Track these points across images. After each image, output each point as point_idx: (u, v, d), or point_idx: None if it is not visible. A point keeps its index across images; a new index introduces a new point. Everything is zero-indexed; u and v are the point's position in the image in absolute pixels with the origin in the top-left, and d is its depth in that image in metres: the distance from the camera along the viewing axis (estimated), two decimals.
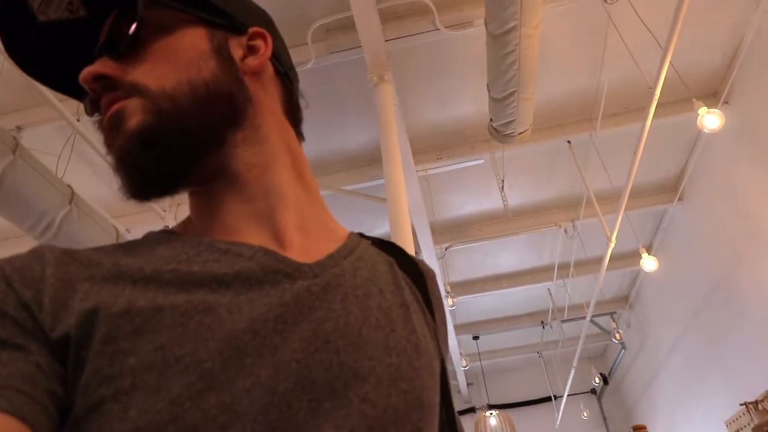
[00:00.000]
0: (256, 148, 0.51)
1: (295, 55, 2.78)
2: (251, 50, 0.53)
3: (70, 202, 2.70)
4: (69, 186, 2.76)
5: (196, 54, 0.49)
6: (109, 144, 0.47)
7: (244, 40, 0.53)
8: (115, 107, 0.46)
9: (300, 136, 0.59)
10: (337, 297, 0.45)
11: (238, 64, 0.51)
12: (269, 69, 0.55)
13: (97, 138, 2.73)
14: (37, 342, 0.37)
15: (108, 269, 0.42)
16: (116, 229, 3.07)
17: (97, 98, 0.48)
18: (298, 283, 0.45)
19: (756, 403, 3.69)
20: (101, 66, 0.47)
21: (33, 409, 0.34)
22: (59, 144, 3.11)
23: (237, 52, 0.52)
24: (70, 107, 2.95)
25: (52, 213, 2.61)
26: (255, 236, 0.49)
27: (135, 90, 0.46)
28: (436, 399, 0.47)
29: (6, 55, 0.51)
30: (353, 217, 4.39)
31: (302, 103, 0.60)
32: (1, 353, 0.36)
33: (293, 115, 0.57)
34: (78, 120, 2.87)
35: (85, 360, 0.37)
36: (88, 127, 2.84)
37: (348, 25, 2.82)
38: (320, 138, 3.73)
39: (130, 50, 0.48)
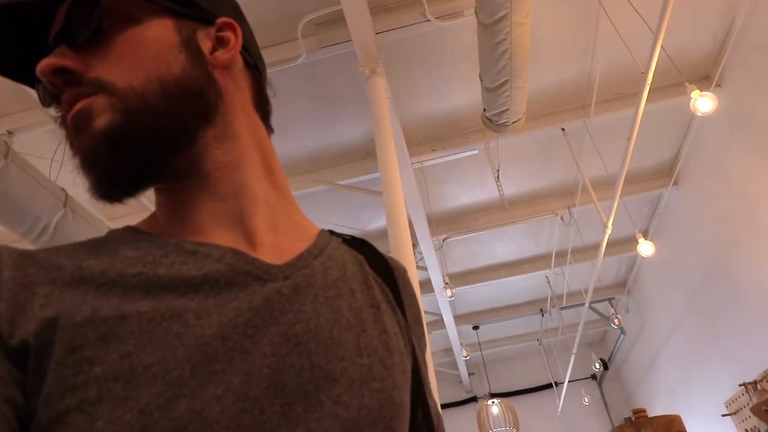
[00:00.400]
0: (226, 146, 0.49)
1: (285, 51, 2.78)
2: (220, 42, 0.51)
3: (65, 205, 2.69)
4: (63, 189, 2.75)
5: (164, 48, 0.46)
6: (74, 144, 0.45)
7: (212, 31, 0.50)
8: (79, 105, 0.44)
9: (269, 128, 0.57)
10: (307, 299, 0.45)
11: (208, 58, 0.49)
12: (239, 62, 0.52)
13: None
14: None
15: (70, 273, 0.40)
16: None
17: (57, 93, 0.45)
18: (267, 286, 0.44)
19: (755, 383, 3.73)
20: (61, 58, 0.44)
21: None
22: (51, 147, 3.09)
23: (206, 45, 0.49)
24: None
25: (47, 217, 2.60)
26: (224, 236, 0.47)
27: (101, 87, 0.44)
28: (407, 397, 0.47)
29: None
30: (350, 211, 4.39)
31: (271, 92, 0.58)
32: None
33: (263, 108, 0.56)
34: None
35: (47, 369, 0.36)
36: None
37: (338, 19, 2.81)
38: (314, 133, 3.72)
39: (91, 40, 0.45)
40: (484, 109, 2.93)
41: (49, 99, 0.46)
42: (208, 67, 0.48)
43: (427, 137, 3.89)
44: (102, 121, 0.43)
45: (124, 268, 0.41)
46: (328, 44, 2.96)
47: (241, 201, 0.49)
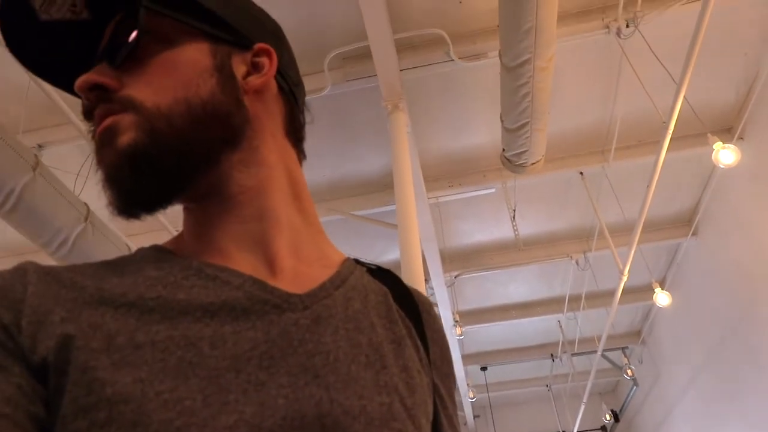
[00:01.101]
0: (252, 170, 0.50)
1: (312, 82, 2.85)
2: (255, 67, 0.51)
3: (86, 219, 2.73)
4: (85, 204, 2.80)
5: (196, 71, 0.47)
6: (99, 159, 0.46)
7: (248, 56, 0.51)
8: (107, 121, 0.45)
9: (301, 154, 0.58)
10: (327, 330, 0.44)
11: (240, 83, 0.49)
12: (273, 87, 0.53)
13: None
14: (19, 363, 0.36)
15: (90, 294, 0.41)
16: (129, 248, 3.10)
17: (91, 108, 0.47)
18: (286, 315, 0.43)
19: None
20: (97, 75, 0.46)
21: None
22: (79, 162, 3.17)
23: (240, 70, 0.50)
24: None
25: (67, 230, 2.65)
26: (245, 259, 0.47)
27: (130, 105, 0.45)
28: None
29: (30, 75, 0.51)
30: (364, 241, 4.39)
31: (308, 117, 0.59)
32: None
33: (295, 134, 0.56)
34: None
35: (64, 388, 0.36)
36: None
37: (364, 54, 2.88)
38: (334, 163, 3.77)
39: (128, 60, 0.46)
40: (504, 149, 2.95)
41: (85, 113, 0.48)
42: (238, 92, 0.49)
43: (445, 173, 3.91)
44: (125, 138, 0.44)
45: (145, 290, 0.42)
46: (353, 78, 3.03)
47: (264, 225, 0.49)
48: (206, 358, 0.38)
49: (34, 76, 0.52)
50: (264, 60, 0.52)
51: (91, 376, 0.36)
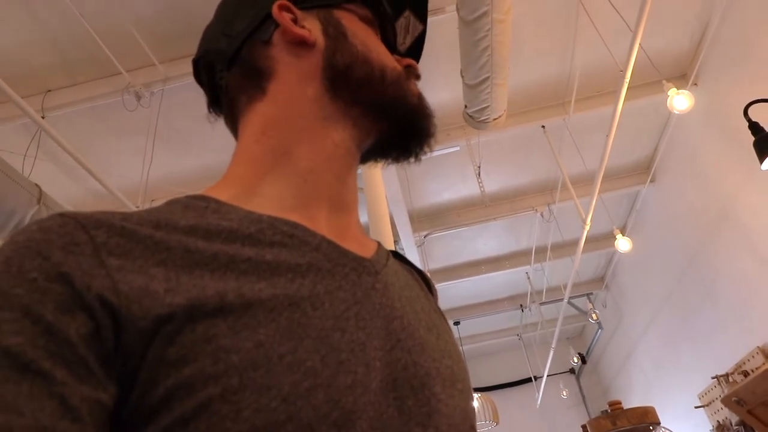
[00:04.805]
0: None
1: None
2: None
3: (39, 201, 2.62)
4: (37, 185, 2.68)
5: None
6: (427, 107, 0.61)
7: None
8: None
9: None
10: (395, 296, 0.46)
11: None
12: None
13: (64, 135, 2.64)
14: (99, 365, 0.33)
15: (180, 256, 0.38)
16: None
17: (414, 76, 0.62)
18: (363, 279, 0.44)
19: (726, 375, 3.83)
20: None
21: None
22: (25, 142, 3.01)
23: None
24: (35, 104, 2.85)
25: (21, 213, 2.53)
26: (308, 215, 0.48)
27: None
28: None
29: None
30: None
31: None
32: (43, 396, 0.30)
33: None
34: (43, 117, 2.78)
35: (181, 357, 0.34)
36: (55, 124, 2.76)
37: None
38: None
39: None
40: (465, 106, 2.94)
41: (416, 77, 0.63)
42: None
43: None
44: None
45: (232, 250, 0.40)
46: None
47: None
48: (312, 319, 0.39)
49: None
50: None
51: (215, 345, 0.35)
